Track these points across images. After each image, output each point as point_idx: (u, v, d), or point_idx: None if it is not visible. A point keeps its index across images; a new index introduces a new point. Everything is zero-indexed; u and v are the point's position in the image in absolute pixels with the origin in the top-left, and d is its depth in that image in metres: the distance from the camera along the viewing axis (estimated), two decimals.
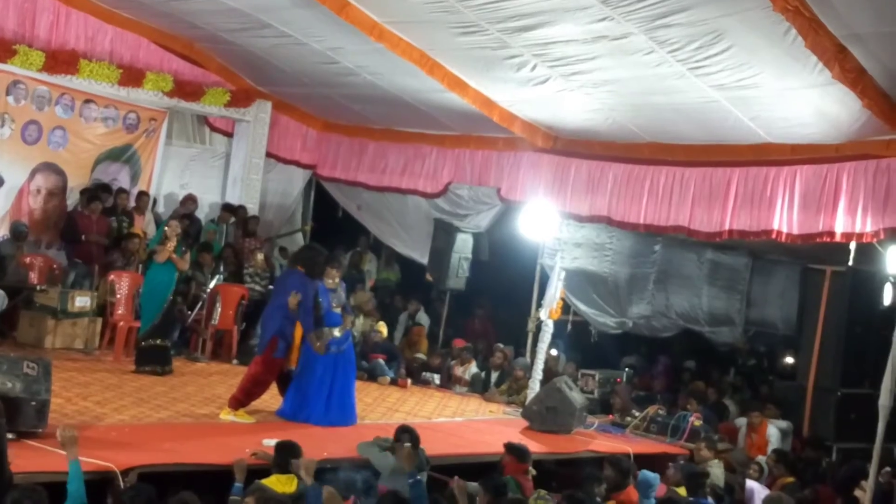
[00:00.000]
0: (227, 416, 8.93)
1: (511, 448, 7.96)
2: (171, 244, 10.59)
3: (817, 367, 10.43)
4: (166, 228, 10.72)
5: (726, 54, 8.41)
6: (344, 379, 9.41)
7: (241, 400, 9.06)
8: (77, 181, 12.89)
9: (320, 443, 8.01)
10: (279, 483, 6.47)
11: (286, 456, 6.71)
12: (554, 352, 12.51)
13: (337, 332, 9.38)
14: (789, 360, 12.65)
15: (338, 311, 9.45)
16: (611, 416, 11.49)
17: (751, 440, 10.54)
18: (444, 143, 13.77)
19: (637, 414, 11.13)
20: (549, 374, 11.64)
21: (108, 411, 8.46)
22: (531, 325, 12.36)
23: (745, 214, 10.12)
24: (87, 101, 12.95)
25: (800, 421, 10.52)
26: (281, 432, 7.96)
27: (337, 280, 9.52)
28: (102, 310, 11.53)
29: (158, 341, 10.61)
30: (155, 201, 13.87)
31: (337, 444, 8.21)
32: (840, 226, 9.25)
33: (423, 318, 14.56)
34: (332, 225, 15.76)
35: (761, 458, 9.81)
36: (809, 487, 8.77)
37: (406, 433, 7.68)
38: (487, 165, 13.26)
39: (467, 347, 13.15)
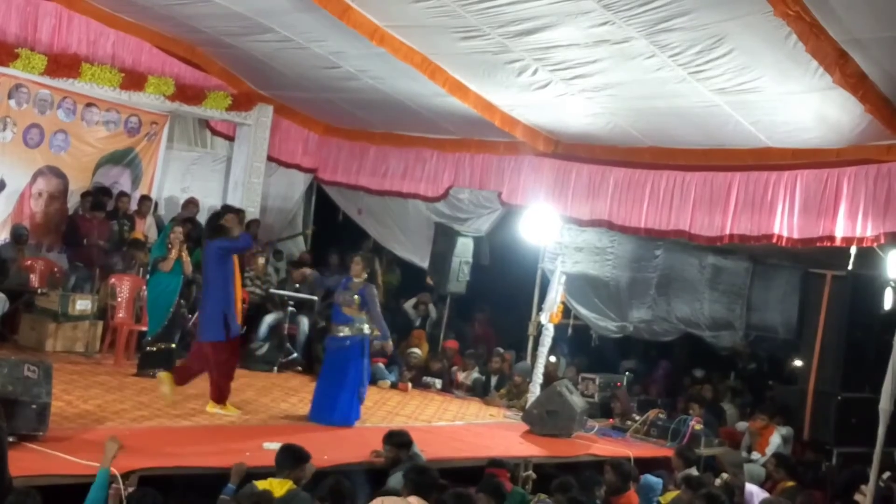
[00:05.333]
0: (212, 409, 9.21)
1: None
2: (175, 252, 10.61)
3: (818, 371, 10.43)
4: (171, 235, 10.73)
5: (727, 58, 8.42)
6: (329, 376, 9.48)
7: (224, 394, 9.31)
8: (78, 185, 12.91)
9: (321, 447, 8.00)
10: (271, 486, 6.46)
11: (287, 459, 6.70)
12: (553, 358, 12.51)
13: (341, 332, 9.46)
14: (790, 363, 12.63)
15: (345, 311, 9.49)
16: (611, 419, 11.49)
17: (756, 443, 10.53)
18: (444, 147, 13.79)
19: (637, 418, 11.14)
20: (549, 378, 11.65)
21: (109, 414, 8.47)
22: (532, 329, 12.38)
23: (746, 219, 10.14)
24: (89, 105, 12.97)
25: (800, 425, 10.51)
26: (282, 436, 7.96)
27: (362, 277, 9.53)
28: (103, 313, 11.54)
29: (163, 345, 10.63)
30: (156, 205, 13.88)
31: (337, 448, 8.21)
32: (840, 230, 9.27)
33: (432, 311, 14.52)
34: (332, 229, 15.78)
35: (758, 461, 9.86)
36: (804, 492, 8.76)
37: (397, 439, 7.66)
38: (488, 169, 13.28)
39: (470, 353, 13.15)
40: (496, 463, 7.82)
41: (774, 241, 9.88)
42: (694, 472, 8.74)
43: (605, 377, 12.39)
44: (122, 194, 13.16)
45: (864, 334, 10.21)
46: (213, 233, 9.48)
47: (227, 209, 10.32)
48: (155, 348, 10.58)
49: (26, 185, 12.48)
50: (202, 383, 10.66)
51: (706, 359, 13.82)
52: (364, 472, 7.69)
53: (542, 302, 11.85)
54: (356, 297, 9.44)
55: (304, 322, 12.78)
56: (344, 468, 7.45)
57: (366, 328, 9.52)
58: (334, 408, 9.37)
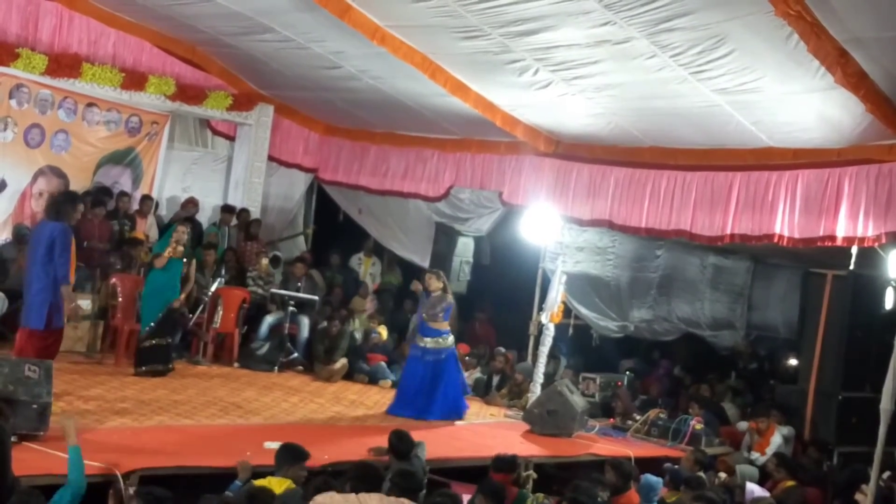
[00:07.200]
0: None
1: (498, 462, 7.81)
2: (172, 248, 10.61)
3: (818, 370, 10.42)
4: (174, 235, 10.74)
5: (728, 59, 8.41)
6: (423, 379, 10.46)
7: None
8: (79, 184, 12.87)
9: (321, 446, 8.01)
10: (269, 484, 6.46)
11: (286, 457, 6.70)
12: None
13: (426, 343, 10.51)
14: (791, 362, 12.63)
15: (432, 325, 10.46)
16: (612, 419, 11.48)
17: (756, 443, 10.53)
18: (445, 146, 13.79)
19: (638, 417, 11.14)
20: (550, 378, 11.64)
21: (110, 414, 8.48)
22: (532, 329, 12.37)
23: (747, 218, 10.13)
24: (90, 105, 12.97)
25: (801, 425, 10.51)
26: (282, 436, 7.95)
27: (439, 290, 10.48)
28: (104, 313, 11.54)
29: (159, 341, 10.62)
30: (157, 204, 13.89)
31: (338, 447, 8.21)
32: (841, 230, 9.25)
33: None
34: (333, 228, 15.79)
35: (759, 461, 9.85)
36: (799, 490, 8.77)
37: (399, 438, 7.65)
38: (489, 169, 13.27)
39: (472, 353, 13.15)
40: (501, 466, 7.62)
41: (775, 240, 9.87)
42: (700, 473, 8.73)
43: (605, 377, 12.39)
44: (123, 194, 13.17)
45: (864, 334, 10.19)
46: (58, 214, 8.81)
47: (70, 195, 9.64)
48: (150, 344, 10.58)
49: (27, 184, 12.48)
50: (205, 383, 10.69)
51: (706, 358, 13.80)
52: None
53: (543, 302, 11.85)
54: (440, 311, 10.49)
55: (305, 322, 12.78)
56: (343, 466, 7.45)
57: (451, 339, 10.66)
58: (432, 405, 10.33)
